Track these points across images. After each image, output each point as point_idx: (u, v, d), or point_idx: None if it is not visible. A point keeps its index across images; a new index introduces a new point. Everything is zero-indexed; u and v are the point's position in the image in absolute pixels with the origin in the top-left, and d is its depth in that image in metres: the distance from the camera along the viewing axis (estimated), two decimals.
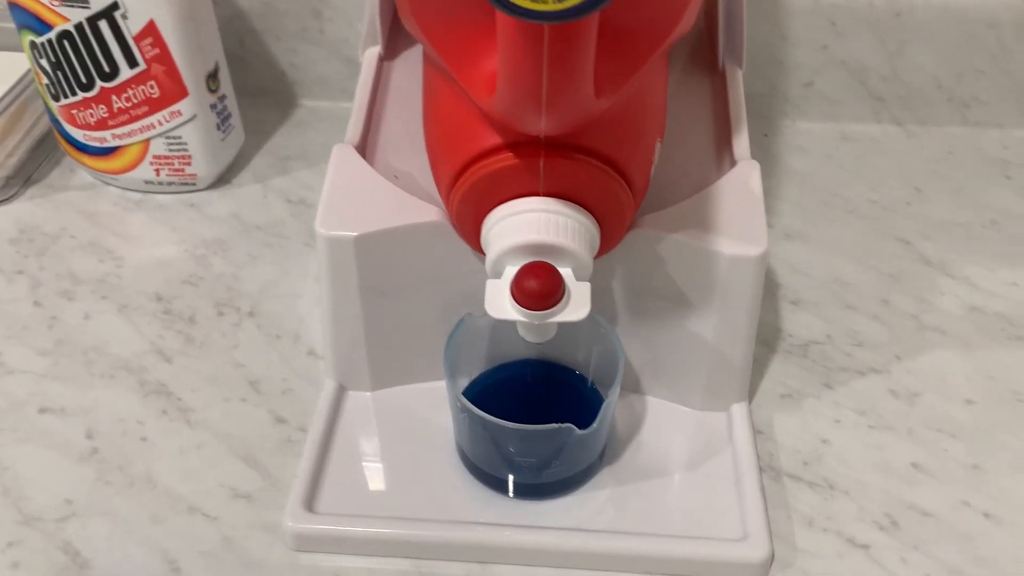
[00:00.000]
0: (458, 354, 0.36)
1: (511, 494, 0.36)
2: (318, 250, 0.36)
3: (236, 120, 0.51)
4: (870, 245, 0.48)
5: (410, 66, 0.43)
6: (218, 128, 0.50)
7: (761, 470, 0.37)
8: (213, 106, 0.49)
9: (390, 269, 0.36)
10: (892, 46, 0.52)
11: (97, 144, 0.49)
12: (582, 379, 0.39)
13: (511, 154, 0.31)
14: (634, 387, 0.40)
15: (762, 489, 0.36)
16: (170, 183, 0.50)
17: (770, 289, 0.46)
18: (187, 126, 0.48)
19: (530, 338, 0.34)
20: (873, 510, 0.37)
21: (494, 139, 0.32)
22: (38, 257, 0.47)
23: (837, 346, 0.43)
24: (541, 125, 0.29)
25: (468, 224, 0.34)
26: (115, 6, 0.44)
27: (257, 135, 0.54)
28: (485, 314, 0.33)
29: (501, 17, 0.26)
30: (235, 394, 0.41)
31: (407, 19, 0.32)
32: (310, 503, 0.36)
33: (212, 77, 0.48)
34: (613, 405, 0.35)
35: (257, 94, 0.56)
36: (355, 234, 0.35)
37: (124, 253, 0.48)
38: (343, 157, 0.37)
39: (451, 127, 0.34)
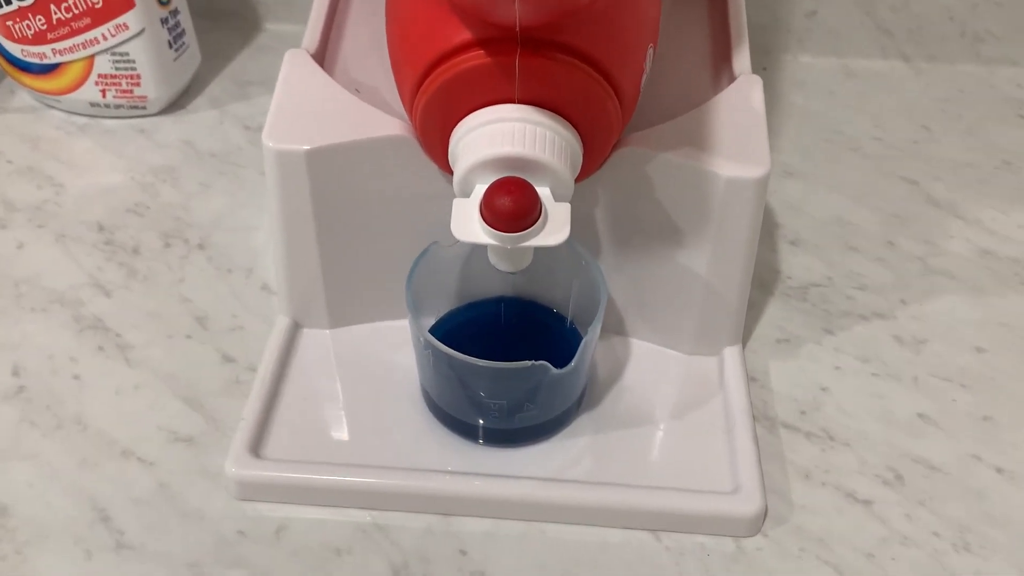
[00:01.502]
0: (423, 287, 0.32)
1: (480, 440, 0.33)
2: (266, 167, 0.32)
3: (191, 39, 0.47)
4: (874, 185, 0.45)
5: None
6: (170, 46, 0.45)
7: (755, 419, 0.34)
8: (164, 20, 0.44)
9: (347, 190, 0.32)
10: None
11: (36, 60, 0.45)
12: (561, 318, 0.35)
13: (482, 52, 0.28)
14: (618, 328, 0.36)
15: (755, 439, 0.33)
16: (118, 106, 0.46)
17: (768, 228, 0.42)
18: (135, 41, 0.44)
19: (502, 266, 0.30)
20: (875, 463, 0.34)
21: (462, 34, 0.28)
22: None
23: (838, 289, 0.40)
24: (514, 9, 0.25)
25: (434, 136, 0.30)
26: None
27: (216, 59, 0.50)
28: (454, 243, 0.29)
29: None
30: (179, 331, 0.37)
31: None
32: (256, 448, 0.32)
33: None
34: (593, 344, 0.32)
35: (217, 16, 0.52)
36: (307, 147, 0.31)
37: (65, 180, 0.44)
38: (296, 64, 0.33)
39: (413, 22, 0.30)
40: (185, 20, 0.46)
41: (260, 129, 0.46)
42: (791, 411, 0.35)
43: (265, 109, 0.48)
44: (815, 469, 0.33)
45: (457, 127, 0.29)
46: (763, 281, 0.40)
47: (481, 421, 0.32)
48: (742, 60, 0.34)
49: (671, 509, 0.31)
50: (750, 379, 0.36)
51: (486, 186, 0.28)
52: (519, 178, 0.28)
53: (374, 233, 0.34)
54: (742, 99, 0.32)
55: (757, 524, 0.31)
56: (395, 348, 0.35)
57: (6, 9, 0.43)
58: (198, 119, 0.47)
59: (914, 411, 0.35)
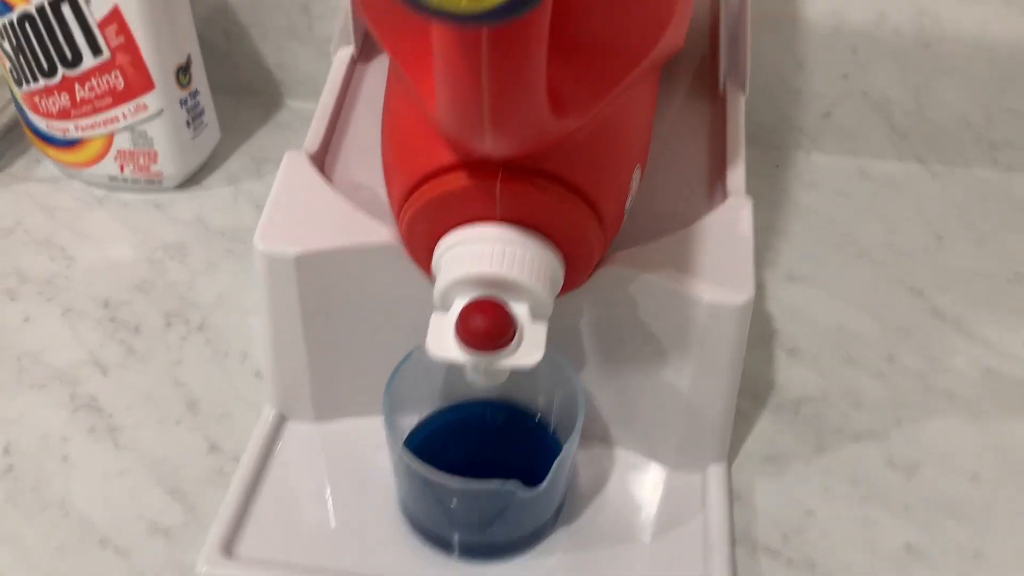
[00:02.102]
0: (406, 389, 0.33)
1: (456, 553, 0.32)
2: (256, 267, 0.33)
3: (210, 117, 0.48)
4: (880, 293, 0.44)
5: (385, 70, 0.40)
6: (188, 125, 0.47)
7: (735, 542, 0.33)
8: (183, 101, 0.46)
9: (335, 292, 0.33)
10: (918, 79, 0.48)
11: (60, 135, 0.46)
12: (544, 426, 0.35)
13: (466, 174, 0.28)
14: (603, 436, 0.36)
15: (733, 567, 0.32)
16: (135, 181, 0.47)
17: (766, 336, 0.42)
18: (154, 121, 0.45)
19: (479, 382, 0.30)
20: None
21: (449, 156, 0.28)
22: None
23: (833, 404, 0.39)
24: (487, 145, 0.25)
25: (420, 248, 0.31)
26: None
27: (236, 135, 0.51)
28: None
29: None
30: (170, 415, 0.38)
31: (358, 10, 0.29)
32: (230, 546, 0.32)
33: (183, 71, 0.45)
34: (569, 461, 0.31)
35: (240, 92, 0.53)
36: (296, 252, 0.32)
37: (77, 252, 0.45)
38: (293, 165, 0.34)
39: (405, 140, 0.30)
40: (205, 99, 0.48)
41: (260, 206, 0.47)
42: (774, 535, 0.34)
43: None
44: None
45: (441, 242, 0.30)
46: (756, 392, 0.39)
47: (456, 534, 0.32)
48: (736, 178, 0.34)
49: None
50: (735, 497, 0.35)
51: (464, 301, 0.28)
52: (494, 299, 0.28)
53: (361, 332, 0.34)
54: (730, 221, 0.32)
55: None
56: (379, 447, 0.35)
57: (34, 86, 0.45)
58: (213, 195, 0.48)
59: (902, 541, 0.34)
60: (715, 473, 0.35)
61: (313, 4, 0.51)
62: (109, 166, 0.47)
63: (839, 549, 0.34)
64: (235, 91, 0.53)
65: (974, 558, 0.34)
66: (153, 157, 0.46)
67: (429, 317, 0.29)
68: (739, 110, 0.36)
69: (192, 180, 0.49)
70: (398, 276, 0.32)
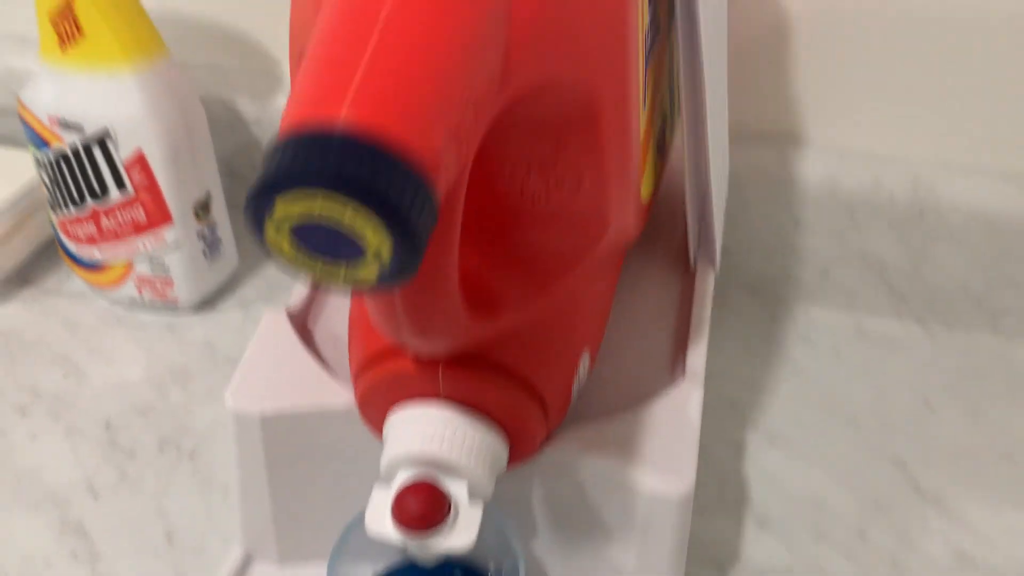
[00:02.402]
0: (358, 547, 0.34)
1: None
2: (227, 420, 0.35)
3: (228, 245, 0.51)
4: (861, 463, 0.44)
5: None
6: (204, 255, 0.49)
7: None
8: (200, 233, 0.49)
9: (299, 448, 0.35)
10: (915, 244, 0.49)
11: (87, 258, 0.50)
12: None
13: (412, 356, 0.30)
14: None
15: None
16: (152, 303, 0.50)
17: (738, 501, 0.42)
18: (171, 253, 0.48)
19: (417, 555, 0.31)
20: None
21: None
22: (9, 364, 0.48)
23: None
24: (414, 347, 0.27)
25: (373, 418, 0.32)
26: (107, 133, 0.44)
27: (254, 259, 0.54)
28: None
29: None
30: (148, 546, 0.40)
31: None
32: None
33: (202, 206, 0.48)
34: None
35: None
36: (261, 411, 0.34)
37: (90, 370, 0.48)
38: (271, 325, 0.36)
39: (360, 316, 0.32)
40: (224, 230, 0.50)
41: None
42: None
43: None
44: None
45: (390, 415, 0.31)
46: (720, 564, 0.39)
47: None
48: (695, 360, 0.35)
49: None
50: None
51: (405, 477, 0.30)
52: (430, 482, 0.29)
53: (324, 484, 0.36)
54: (679, 407, 0.33)
55: None
56: None
57: (66, 213, 0.48)
58: (224, 320, 0.51)
59: None
60: None
61: None
62: (129, 289, 0.50)
63: None
64: None
65: None
66: (169, 283, 0.49)
67: None
68: (707, 289, 0.37)
69: (207, 303, 0.51)
70: (358, 438, 0.34)
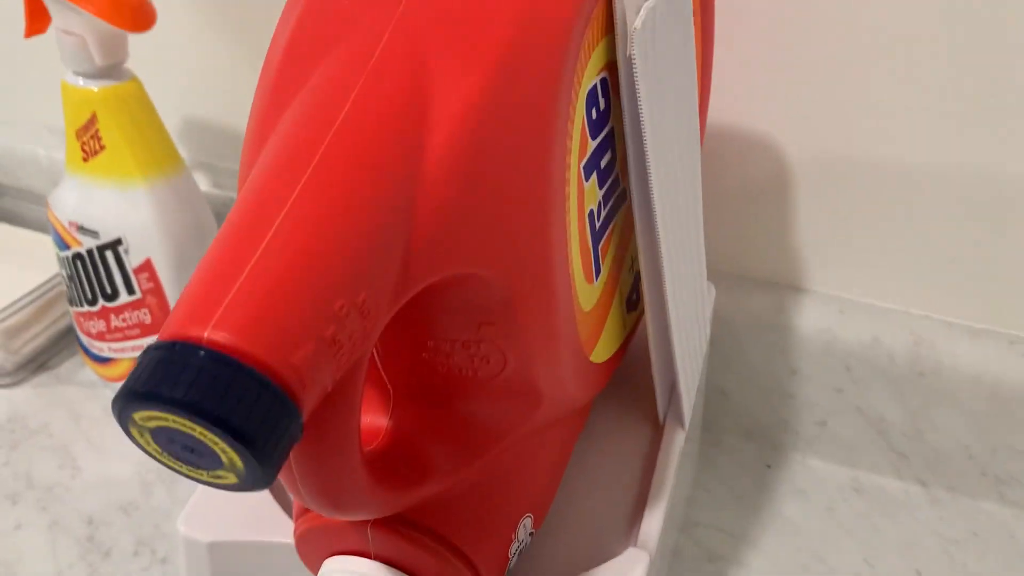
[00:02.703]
0: None
1: None
2: (177, 544, 0.35)
3: None
4: None
5: None
6: None
7: None
8: None
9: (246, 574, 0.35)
10: (915, 404, 0.47)
11: (97, 352, 0.51)
12: None
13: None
14: None
15: None
16: None
17: None
18: None
19: None
20: None
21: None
22: (9, 451, 0.49)
23: None
24: (325, 514, 0.27)
25: (311, 561, 0.32)
26: (119, 242, 0.47)
27: None
28: None
29: None
30: None
31: None
32: None
33: None
34: None
35: None
36: (209, 540, 0.34)
37: (85, 464, 0.49)
38: None
39: None
40: None
41: None
42: None
43: None
44: None
45: (324, 563, 0.31)
46: None
47: None
48: (649, 528, 0.34)
49: None
50: None
51: None
52: None
53: None
54: None
55: None
56: None
57: (80, 309, 0.50)
58: None
59: None
60: None
61: None
62: None
63: None
64: None
65: None
66: None
67: None
68: (674, 448, 0.37)
69: None
70: (303, 571, 0.34)
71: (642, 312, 0.38)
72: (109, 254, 0.47)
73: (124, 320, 0.49)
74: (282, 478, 0.25)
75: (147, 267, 0.47)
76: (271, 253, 0.19)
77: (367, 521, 0.29)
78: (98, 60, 0.43)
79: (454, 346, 0.26)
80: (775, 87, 0.45)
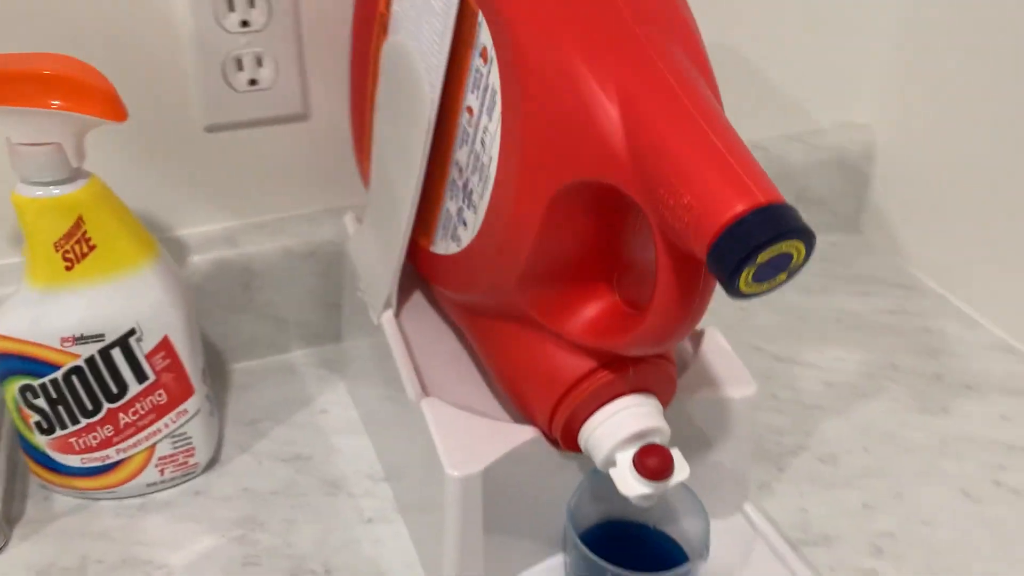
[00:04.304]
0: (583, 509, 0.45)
1: None
2: (446, 491, 0.42)
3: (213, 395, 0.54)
4: None
5: (415, 317, 0.51)
6: (211, 413, 0.53)
7: None
8: (207, 395, 0.52)
9: (508, 491, 0.44)
10: None
11: (97, 464, 0.50)
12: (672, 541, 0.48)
13: (607, 371, 0.41)
14: None
15: None
16: (172, 478, 0.52)
17: None
18: (192, 421, 0.51)
19: (646, 504, 0.43)
20: None
21: (588, 364, 0.41)
22: None
23: None
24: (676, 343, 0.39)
25: (570, 434, 0.43)
26: (132, 332, 0.46)
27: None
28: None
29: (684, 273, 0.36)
30: None
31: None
32: None
33: (205, 370, 0.52)
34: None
35: None
36: (482, 468, 0.42)
37: (166, 559, 0.49)
38: (434, 408, 0.44)
39: (537, 365, 0.42)
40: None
41: (297, 458, 0.54)
42: None
43: (287, 439, 0.56)
44: None
45: (587, 422, 0.42)
46: None
47: None
48: None
49: None
50: None
51: (625, 455, 0.42)
52: (657, 444, 0.42)
53: (521, 509, 0.45)
54: None
55: None
56: None
57: (71, 429, 0.48)
58: (239, 466, 0.54)
59: None
60: None
61: (252, 279, 0.59)
62: (150, 474, 0.51)
63: None
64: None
65: None
66: (191, 452, 0.52)
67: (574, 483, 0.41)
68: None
69: (212, 460, 0.54)
70: (544, 458, 0.44)
71: None
72: (116, 351, 0.47)
73: (136, 412, 0.49)
74: (671, 313, 0.36)
75: (163, 345, 0.48)
76: (733, 144, 0.32)
77: (627, 367, 0.42)
78: (74, 162, 0.43)
79: None
80: None
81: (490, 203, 0.40)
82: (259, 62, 0.53)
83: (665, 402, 0.44)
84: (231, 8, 0.51)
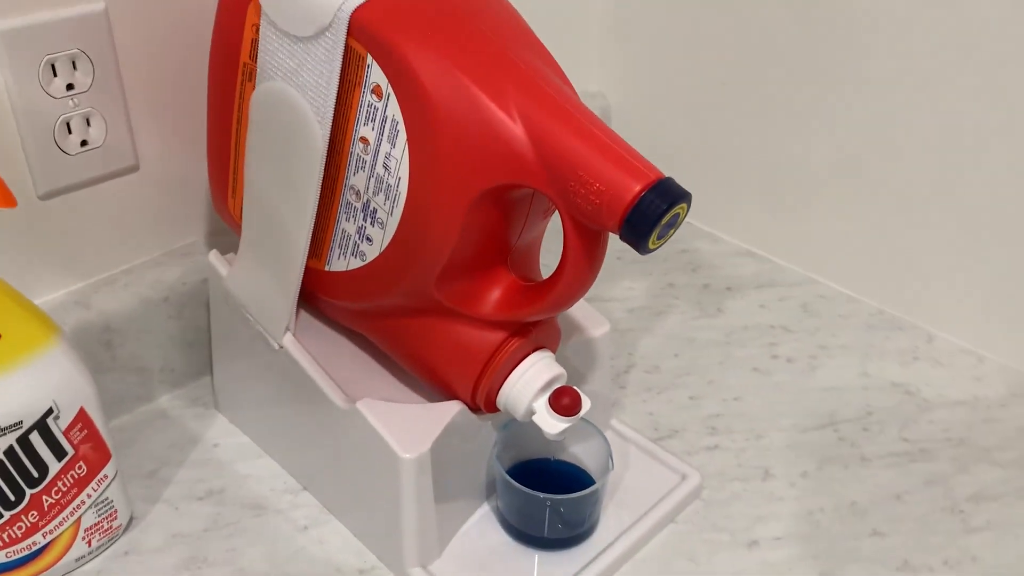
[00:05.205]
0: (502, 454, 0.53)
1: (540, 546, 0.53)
2: (401, 473, 0.48)
3: None
4: None
5: (304, 333, 0.55)
6: (121, 474, 0.53)
7: None
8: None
9: (444, 459, 0.50)
10: None
11: (25, 553, 0.49)
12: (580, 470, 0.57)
13: (515, 339, 0.49)
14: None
15: None
16: (99, 547, 0.52)
17: None
18: (112, 484, 0.51)
19: (559, 437, 0.52)
20: None
21: (498, 336, 0.49)
22: None
23: None
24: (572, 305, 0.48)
25: (489, 399, 0.50)
26: (50, 411, 0.46)
27: None
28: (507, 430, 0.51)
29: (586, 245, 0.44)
30: None
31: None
32: None
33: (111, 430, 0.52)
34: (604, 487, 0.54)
35: None
36: (429, 446, 0.49)
37: None
38: (371, 407, 0.49)
39: (451, 349, 0.49)
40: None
41: (211, 494, 0.56)
42: None
43: (195, 478, 0.58)
44: None
45: (507, 382, 0.50)
46: None
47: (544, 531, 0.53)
48: None
49: None
50: None
51: (540, 402, 0.50)
52: (567, 386, 0.50)
53: (457, 474, 0.52)
54: None
55: None
56: None
57: None
58: (158, 517, 0.55)
59: None
60: None
61: (113, 337, 0.59)
62: (78, 548, 0.51)
63: None
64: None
65: None
66: (114, 515, 0.52)
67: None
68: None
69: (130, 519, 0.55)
70: (469, 424, 0.51)
71: None
72: (35, 435, 0.46)
73: (59, 491, 0.49)
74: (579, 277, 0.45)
75: (80, 417, 0.48)
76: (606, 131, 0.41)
77: (531, 331, 0.50)
78: None
79: None
80: None
81: (403, 217, 0.45)
82: (87, 122, 0.54)
83: (554, 351, 0.53)
84: (54, 74, 0.51)
